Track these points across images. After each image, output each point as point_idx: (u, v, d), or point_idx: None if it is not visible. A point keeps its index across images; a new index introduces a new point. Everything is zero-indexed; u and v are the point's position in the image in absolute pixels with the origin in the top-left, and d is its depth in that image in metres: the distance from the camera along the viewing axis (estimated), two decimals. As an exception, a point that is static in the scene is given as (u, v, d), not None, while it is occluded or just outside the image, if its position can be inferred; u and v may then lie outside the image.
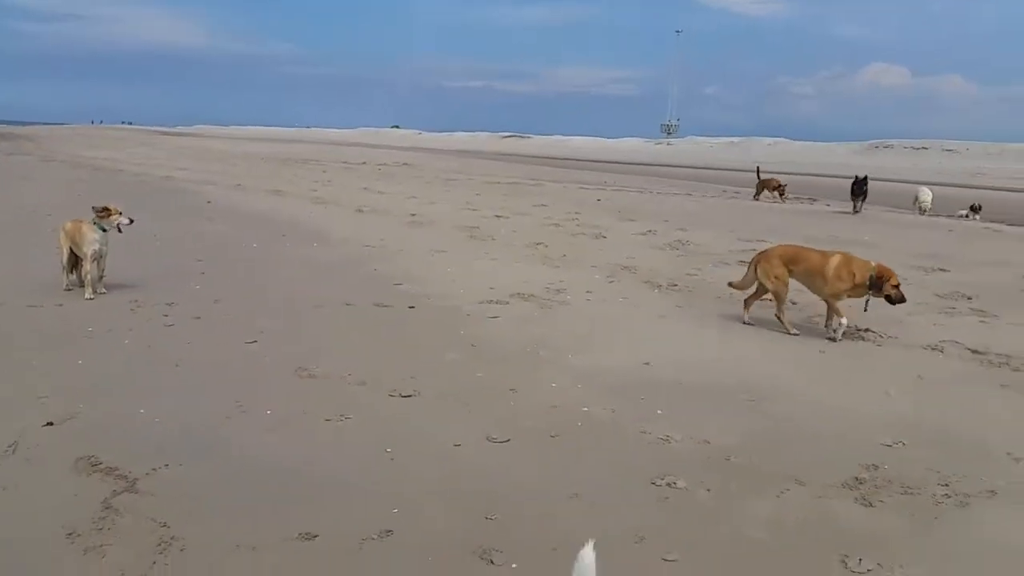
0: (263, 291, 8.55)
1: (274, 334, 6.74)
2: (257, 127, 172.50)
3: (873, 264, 6.85)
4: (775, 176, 25.85)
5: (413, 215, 15.47)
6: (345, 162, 40.05)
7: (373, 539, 3.48)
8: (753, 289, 7.43)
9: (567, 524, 3.66)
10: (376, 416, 4.97)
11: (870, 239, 13.14)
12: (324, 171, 31.26)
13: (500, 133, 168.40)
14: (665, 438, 4.68)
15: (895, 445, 4.61)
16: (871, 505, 3.89)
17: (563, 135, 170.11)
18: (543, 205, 18.11)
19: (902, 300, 6.84)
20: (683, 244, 12.23)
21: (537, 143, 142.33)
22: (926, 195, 23.35)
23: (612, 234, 13.35)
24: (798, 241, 8.28)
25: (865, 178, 19.10)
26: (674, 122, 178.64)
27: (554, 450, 4.54)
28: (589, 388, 5.53)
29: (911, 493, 4.01)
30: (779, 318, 7.24)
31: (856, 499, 3.95)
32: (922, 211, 22.55)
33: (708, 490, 4.02)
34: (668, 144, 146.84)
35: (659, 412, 5.09)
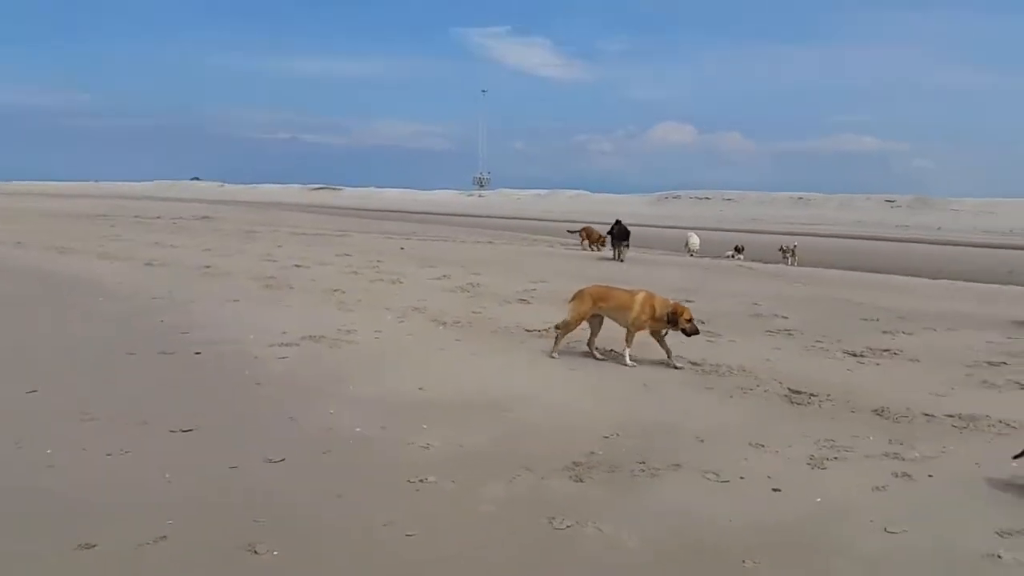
0: (45, 344, 8.42)
1: (57, 383, 6.78)
2: (48, 182, 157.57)
3: (671, 302, 8.07)
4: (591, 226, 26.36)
5: (207, 267, 15.38)
6: (137, 216, 38.08)
7: (148, 544, 3.87)
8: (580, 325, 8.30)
9: (328, 519, 4.25)
10: (156, 449, 5.28)
11: (636, 276, 14.84)
12: (113, 226, 29.66)
13: (310, 185, 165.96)
14: (426, 446, 5.39)
15: (611, 436, 5.63)
16: (581, 481, 4.82)
17: (377, 187, 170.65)
18: (346, 255, 18.57)
19: (695, 332, 7.99)
20: (474, 287, 13.22)
21: (349, 195, 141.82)
22: (694, 240, 26.57)
23: (409, 280, 14.11)
24: (580, 281, 9.48)
25: (618, 221, 20.46)
26: (485, 175, 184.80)
27: (325, 463, 5.11)
28: (364, 412, 6.14)
29: (614, 471, 4.99)
30: (557, 339, 8.25)
31: (571, 477, 4.86)
32: (691, 253, 25.56)
33: (453, 481, 4.77)
34: (479, 196, 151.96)
35: (424, 427, 5.80)
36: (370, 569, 3.78)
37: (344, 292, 12.30)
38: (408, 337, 9.15)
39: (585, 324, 8.26)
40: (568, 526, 4.17)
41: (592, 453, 5.27)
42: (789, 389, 6.96)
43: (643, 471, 5.01)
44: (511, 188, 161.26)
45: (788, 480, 4.86)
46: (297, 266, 15.74)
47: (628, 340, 8.06)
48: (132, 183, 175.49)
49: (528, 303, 11.73)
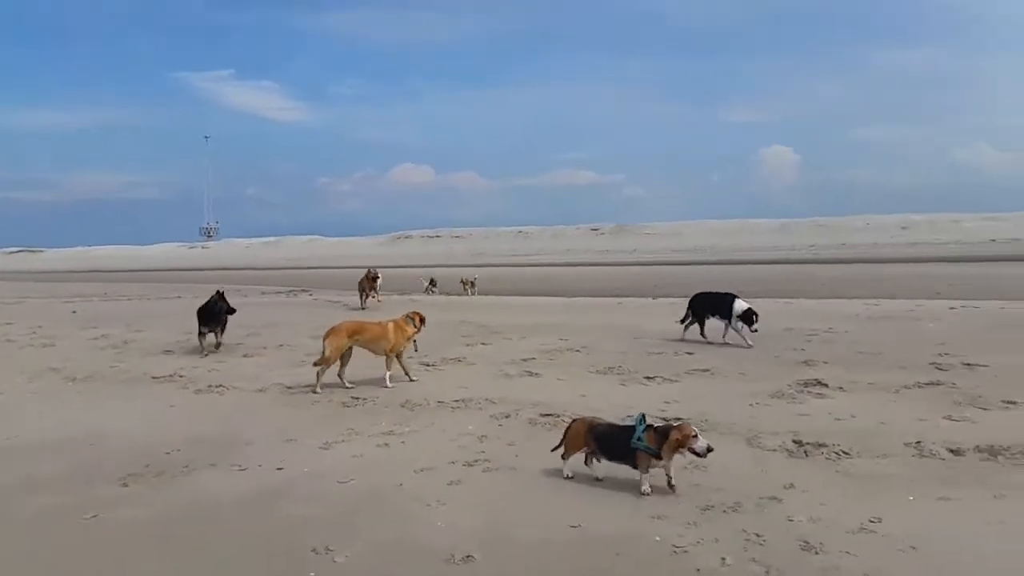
0: None
1: None
2: None
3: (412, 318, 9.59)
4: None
5: None
6: None
7: None
8: (337, 359, 9.18)
9: None
10: None
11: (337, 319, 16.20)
12: None
13: (6, 249, 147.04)
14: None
15: (173, 452, 6.87)
16: (126, 485, 6.00)
17: (87, 246, 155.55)
18: (7, 323, 17.82)
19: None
20: (126, 343, 13.72)
21: (51, 256, 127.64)
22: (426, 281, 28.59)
23: (64, 341, 14.22)
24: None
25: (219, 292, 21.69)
26: (213, 224, 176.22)
27: None
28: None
29: (160, 475, 6.26)
30: (318, 375, 9.10)
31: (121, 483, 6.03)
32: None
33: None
34: (203, 248, 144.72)
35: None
36: None
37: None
38: (30, 395, 9.66)
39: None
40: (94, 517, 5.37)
41: (146, 465, 6.49)
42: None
43: (183, 470, 6.34)
44: (241, 237, 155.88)
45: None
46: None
47: (389, 365, 9.31)
48: None
49: (171, 353, 12.55)
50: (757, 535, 4.59)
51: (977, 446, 6.06)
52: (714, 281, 30.98)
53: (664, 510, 5.04)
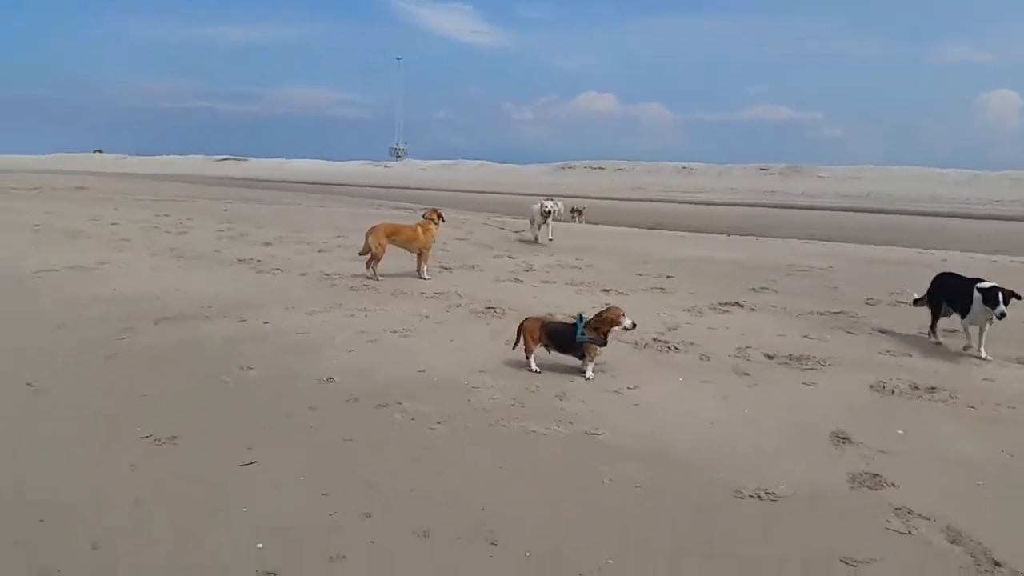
0: None
1: None
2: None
3: (430, 218, 11.47)
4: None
5: (36, 225, 18.33)
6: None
7: None
8: (370, 253, 11.25)
9: None
10: None
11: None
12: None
13: (215, 156, 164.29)
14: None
15: (205, 307, 9.24)
16: (157, 323, 8.40)
17: (287, 158, 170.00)
18: (165, 215, 21.70)
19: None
20: (242, 235, 16.71)
21: (252, 166, 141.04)
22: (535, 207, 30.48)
23: (196, 231, 17.49)
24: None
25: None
26: (402, 145, 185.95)
27: None
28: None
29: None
30: (373, 268, 11.20)
31: (152, 321, 8.45)
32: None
33: None
34: (386, 167, 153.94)
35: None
36: None
37: (129, 240, 15.56)
38: (145, 264, 12.57)
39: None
40: (123, 339, 7.77)
41: (180, 313, 8.88)
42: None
43: (203, 319, 8.65)
44: (425, 159, 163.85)
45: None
46: (111, 223, 18.84)
47: (424, 259, 11.33)
48: (31, 156, 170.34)
49: (269, 245, 15.27)
50: (537, 386, 6.11)
51: (790, 355, 7.06)
52: (851, 227, 30.30)
53: (486, 366, 6.65)
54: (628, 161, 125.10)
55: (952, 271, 8.32)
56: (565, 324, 6.74)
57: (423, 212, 11.92)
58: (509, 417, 5.48)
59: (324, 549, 3.72)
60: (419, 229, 11.44)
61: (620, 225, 27.73)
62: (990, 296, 6.92)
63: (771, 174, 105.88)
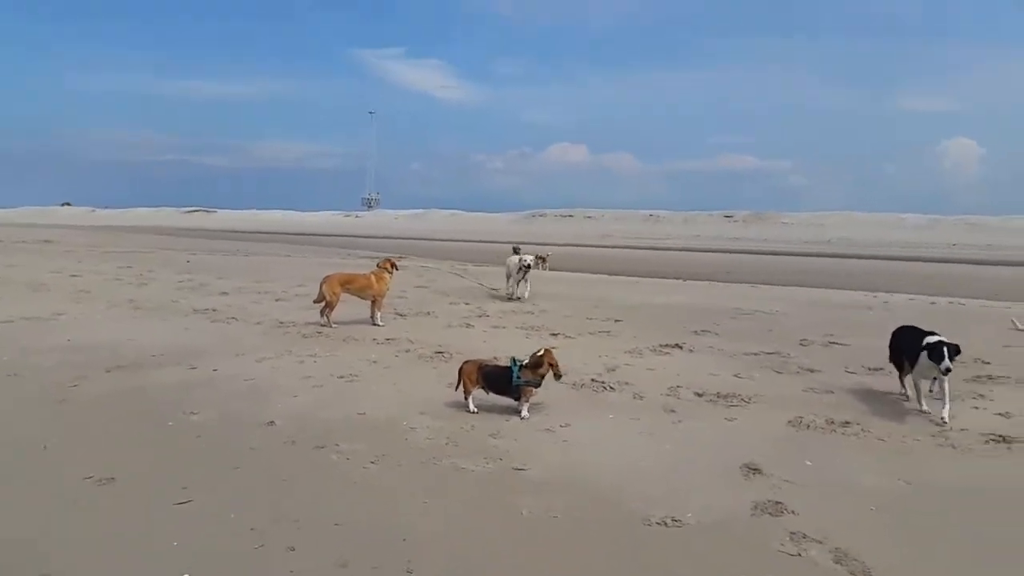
0: None
1: None
2: None
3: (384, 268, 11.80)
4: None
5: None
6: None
7: None
8: (324, 301, 11.48)
9: None
10: None
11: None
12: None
13: (184, 208, 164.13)
14: None
15: (158, 355, 9.39)
16: (109, 371, 8.53)
17: (259, 209, 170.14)
18: (128, 267, 21.78)
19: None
20: (202, 286, 16.86)
21: (223, 217, 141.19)
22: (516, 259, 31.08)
23: (156, 283, 17.63)
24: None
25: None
26: (374, 195, 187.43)
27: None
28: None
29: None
30: (327, 316, 11.43)
31: (104, 370, 8.58)
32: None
33: None
34: (357, 216, 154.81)
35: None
36: None
37: (88, 292, 15.64)
38: (101, 316, 12.67)
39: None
40: (74, 386, 7.90)
41: (133, 361, 9.02)
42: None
43: (154, 367, 8.81)
44: (394, 209, 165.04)
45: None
46: (72, 275, 18.89)
47: (377, 307, 11.59)
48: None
49: (226, 295, 15.43)
50: (473, 426, 6.38)
51: (718, 393, 7.42)
52: (810, 271, 31.13)
53: (427, 408, 6.90)
54: (598, 209, 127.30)
55: (911, 324, 7.74)
56: (501, 367, 7.03)
57: (377, 262, 12.25)
58: (441, 455, 5.73)
59: (246, 579, 3.92)
60: (372, 278, 11.76)
61: (584, 271, 28.29)
62: (935, 352, 6.68)
63: (735, 221, 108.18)
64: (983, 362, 9.19)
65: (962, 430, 6.51)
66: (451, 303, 14.53)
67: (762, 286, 21.39)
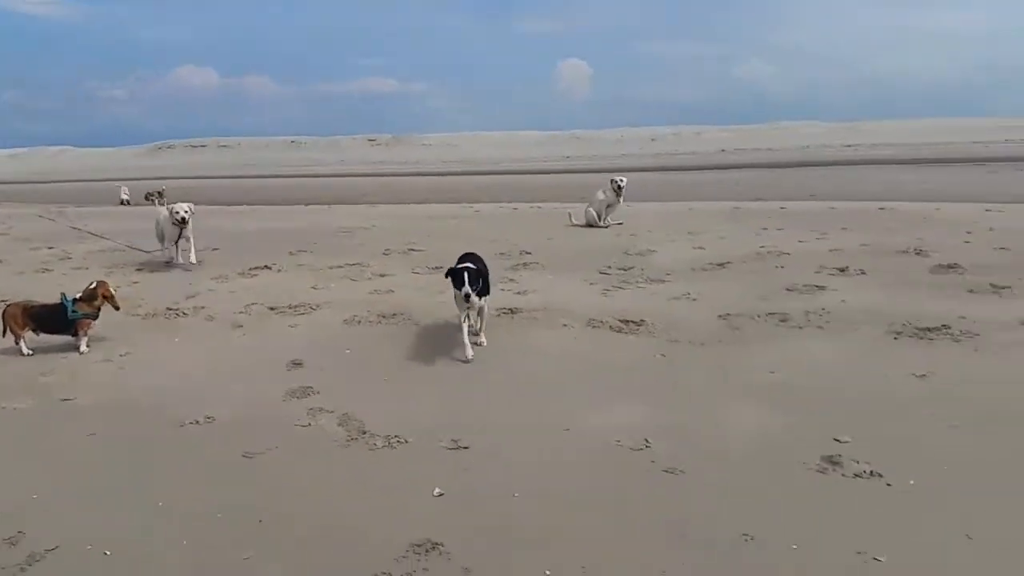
0: None
1: None
2: None
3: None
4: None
5: None
6: None
7: None
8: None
9: None
10: None
11: None
12: None
13: None
14: None
15: None
16: None
17: None
18: None
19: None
20: None
21: None
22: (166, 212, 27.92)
23: None
24: None
25: None
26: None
27: None
28: None
29: None
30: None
31: None
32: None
33: None
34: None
35: None
36: None
37: None
38: None
39: None
40: None
41: None
42: None
43: None
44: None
45: None
46: None
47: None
48: None
49: None
50: (27, 368, 6.22)
51: (289, 304, 8.16)
52: (439, 188, 33.14)
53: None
54: (234, 138, 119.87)
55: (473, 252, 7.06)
56: (51, 305, 6.88)
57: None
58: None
59: None
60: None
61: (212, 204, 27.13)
62: (457, 278, 6.31)
63: (378, 144, 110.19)
64: (526, 252, 11.11)
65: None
66: (32, 248, 13.24)
67: (382, 205, 22.63)
